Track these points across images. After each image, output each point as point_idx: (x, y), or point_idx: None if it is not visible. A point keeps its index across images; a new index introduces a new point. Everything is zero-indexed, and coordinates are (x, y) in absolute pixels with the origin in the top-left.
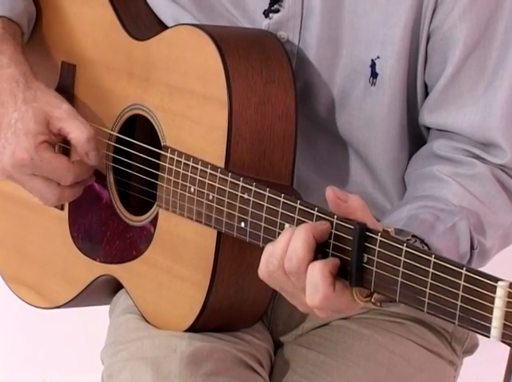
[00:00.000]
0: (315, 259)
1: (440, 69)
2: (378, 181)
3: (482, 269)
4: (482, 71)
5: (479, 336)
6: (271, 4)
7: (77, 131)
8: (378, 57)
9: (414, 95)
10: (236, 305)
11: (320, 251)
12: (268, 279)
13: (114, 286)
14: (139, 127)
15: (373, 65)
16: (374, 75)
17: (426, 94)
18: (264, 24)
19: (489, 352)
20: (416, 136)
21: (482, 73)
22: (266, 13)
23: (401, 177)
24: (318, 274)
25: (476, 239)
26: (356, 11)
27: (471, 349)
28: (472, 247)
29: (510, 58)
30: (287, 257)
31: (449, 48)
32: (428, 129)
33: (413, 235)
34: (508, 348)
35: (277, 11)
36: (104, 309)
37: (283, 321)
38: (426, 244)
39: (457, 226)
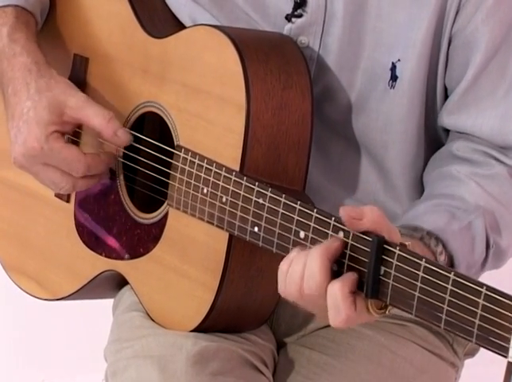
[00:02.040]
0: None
1: (460, 72)
2: (391, 185)
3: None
4: (503, 75)
5: None
6: (294, 9)
7: (97, 116)
8: (399, 60)
9: (433, 97)
10: (243, 307)
11: (335, 261)
12: (288, 299)
13: (117, 282)
14: (150, 125)
15: (393, 68)
16: (393, 78)
17: (446, 97)
18: (286, 28)
19: (489, 353)
20: (433, 140)
21: (503, 77)
22: (289, 18)
23: (414, 182)
24: (339, 295)
25: (492, 238)
26: (379, 14)
27: (472, 352)
28: (488, 247)
29: None
30: (306, 286)
31: (471, 52)
32: (446, 132)
33: (428, 232)
34: None
35: (300, 16)
36: (105, 309)
37: (286, 322)
38: (441, 241)
39: (473, 224)
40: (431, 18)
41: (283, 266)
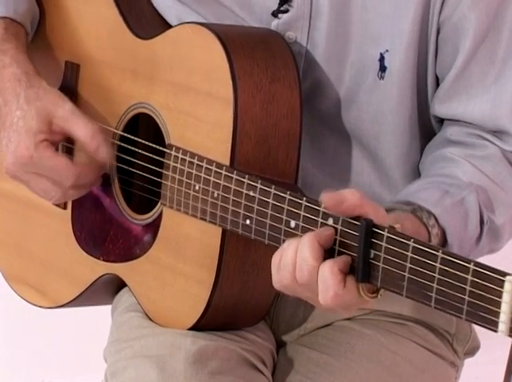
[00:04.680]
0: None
1: (451, 60)
2: (386, 177)
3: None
4: (492, 60)
5: (480, 337)
6: (280, 4)
7: (82, 130)
8: (387, 51)
9: (425, 87)
10: (240, 303)
11: (327, 249)
12: (284, 290)
13: (116, 286)
14: (143, 126)
15: (381, 59)
16: (382, 68)
17: (437, 86)
18: (273, 24)
19: (489, 353)
20: (426, 130)
21: (493, 63)
22: (275, 14)
23: (410, 172)
24: (328, 272)
25: (486, 214)
26: (365, 6)
27: (472, 351)
28: (482, 222)
29: None
30: (298, 268)
31: (459, 39)
32: (439, 121)
33: (420, 206)
34: (508, 348)
35: (286, 11)
36: (104, 309)
37: (285, 321)
38: (433, 214)
39: (466, 200)
40: (417, 8)
41: (275, 258)
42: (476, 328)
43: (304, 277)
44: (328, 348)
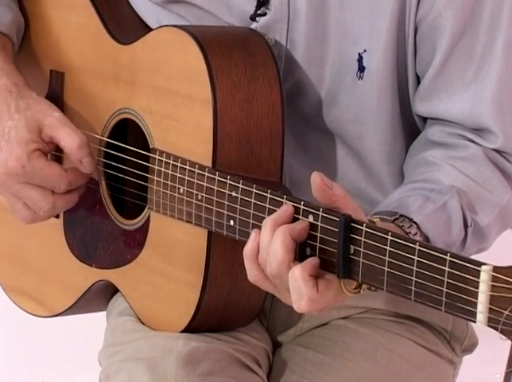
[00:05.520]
0: (303, 254)
1: (429, 59)
2: (372, 175)
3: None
4: (470, 57)
5: (478, 336)
6: (257, 7)
7: (69, 139)
8: (365, 51)
9: (406, 86)
10: (231, 304)
11: (306, 244)
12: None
13: (110, 292)
14: (129, 131)
15: (360, 59)
16: (361, 69)
17: (418, 84)
18: (251, 28)
19: (489, 352)
20: (411, 128)
21: (471, 59)
22: (253, 17)
23: (396, 170)
24: (299, 279)
25: (470, 216)
26: (342, 6)
27: (470, 348)
28: (466, 225)
29: (497, 43)
30: (268, 261)
31: (436, 38)
32: (423, 119)
33: (401, 215)
34: (508, 348)
35: (264, 14)
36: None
37: (281, 322)
38: (416, 223)
39: (448, 204)
40: (393, 7)
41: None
42: (475, 327)
43: (273, 270)
44: (324, 347)
